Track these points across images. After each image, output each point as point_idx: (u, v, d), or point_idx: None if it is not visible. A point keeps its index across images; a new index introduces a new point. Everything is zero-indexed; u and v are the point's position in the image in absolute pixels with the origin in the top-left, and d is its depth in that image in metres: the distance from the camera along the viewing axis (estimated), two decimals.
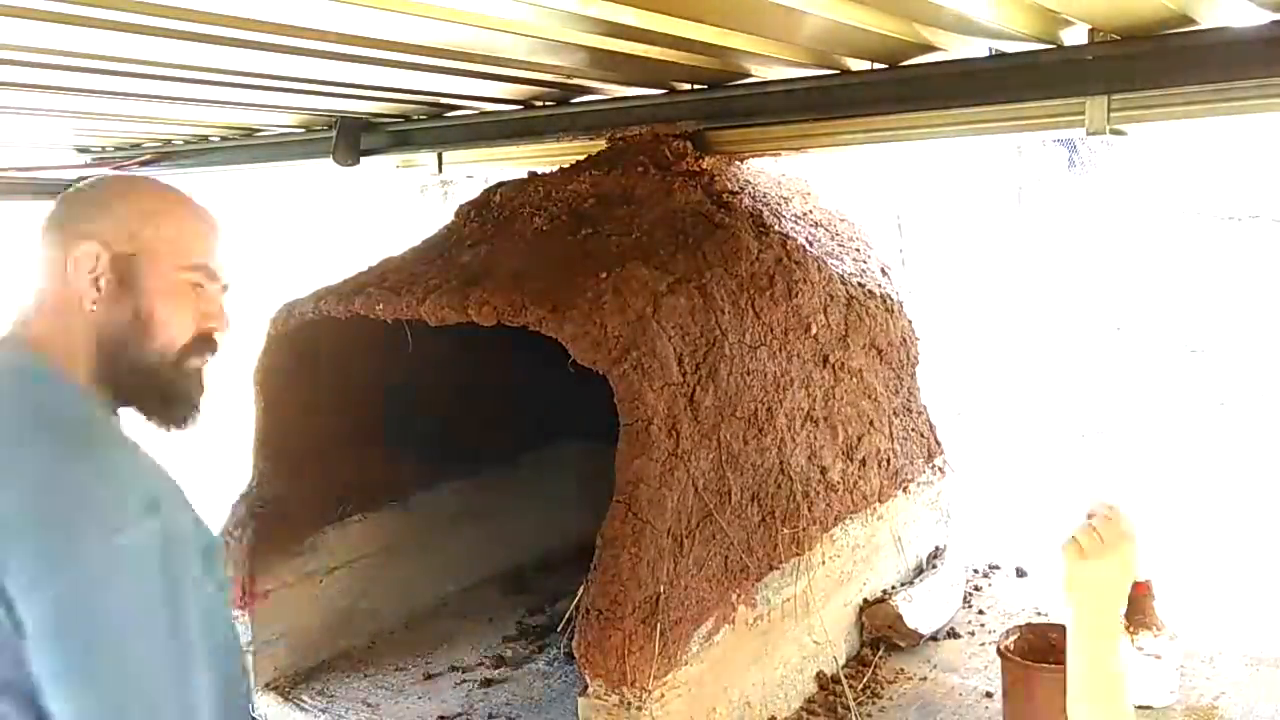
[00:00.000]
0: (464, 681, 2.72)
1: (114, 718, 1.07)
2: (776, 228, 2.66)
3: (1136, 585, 2.44)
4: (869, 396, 2.82)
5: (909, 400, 3.05)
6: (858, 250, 2.98)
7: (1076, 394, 5.75)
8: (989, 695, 2.53)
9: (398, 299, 2.32)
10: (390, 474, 2.95)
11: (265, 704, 2.57)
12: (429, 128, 3.22)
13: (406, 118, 3.24)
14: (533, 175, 2.80)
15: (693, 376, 2.18)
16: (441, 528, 3.14)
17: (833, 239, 2.90)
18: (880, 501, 2.82)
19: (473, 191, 2.85)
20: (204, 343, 1.30)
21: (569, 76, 2.58)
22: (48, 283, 1.24)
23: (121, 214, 1.26)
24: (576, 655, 2.02)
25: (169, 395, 1.29)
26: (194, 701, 1.11)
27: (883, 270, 3.06)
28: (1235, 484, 4.01)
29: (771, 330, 2.44)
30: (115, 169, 4.04)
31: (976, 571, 3.28)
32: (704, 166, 2.67)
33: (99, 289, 1.22)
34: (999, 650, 2.26)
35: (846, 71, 2.44)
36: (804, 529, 2.46)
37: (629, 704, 1.96)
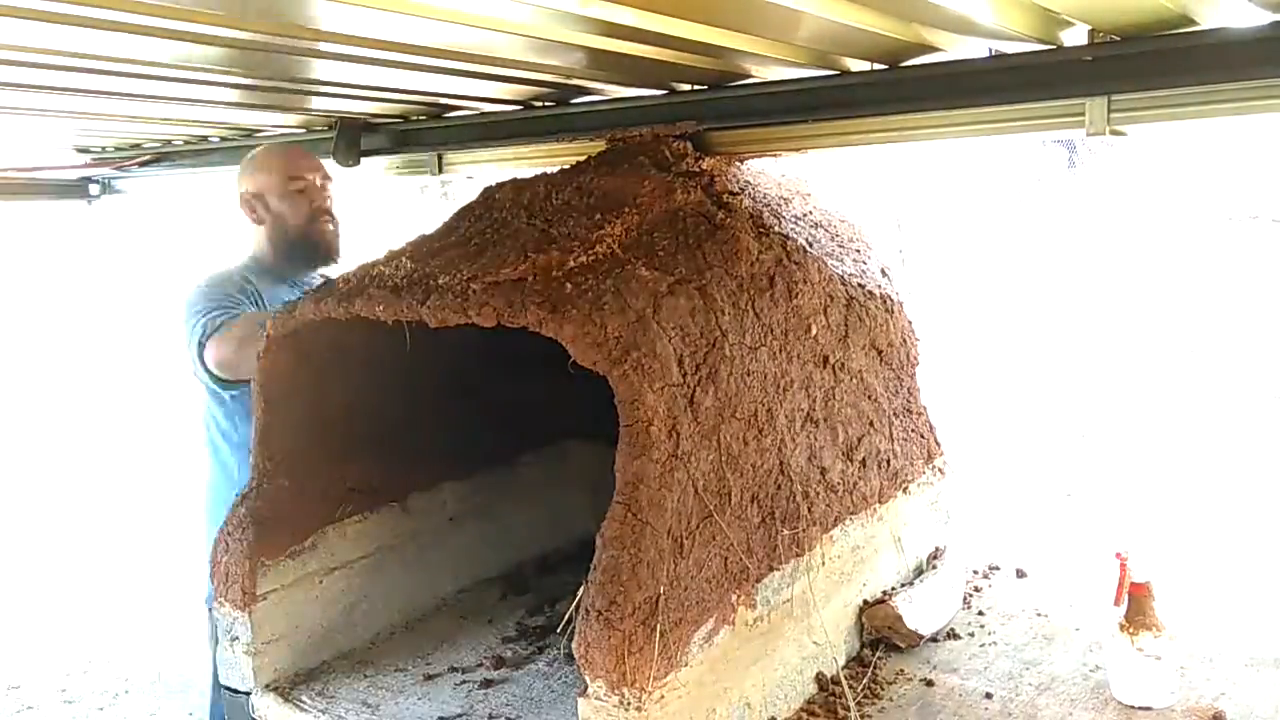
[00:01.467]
0: (464, 682, 2.71)
1: None
2: (777, 228, 2.66)
3: (1136, 585, 2.46)
4: (869, 397, 2.82)
5: (909, 401, 3.05)
6: (858, 251, 2.98)
7: (1076, 394, 5.75)
8: (989, 696, 2.53)
9: (398, 300, 2.31)
10: (390, 474, 2.95)
11: (265, 704, 2.57)
12: (429, 128, 3.22)
13: (406, 118, 3.24)
14: (533, 175, 2.80)
15: (693, 377, 2.18)
16: (441, 528, 3.13)
17: (833, 239, 2.90)
18: (880, 502, 2.82)
19: (473, 191, 2.85)
20: (321, 213, 3.09)
21: (568, 77, 2.58)
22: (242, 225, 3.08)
23: (247, 171, 3.08)
24: (576, 656, 2.02)
25: (314, 245, 3.09)
26: None
27: (883, 271, 3.06)
28: (1235, 484, 4.01)
29: (771, 331, 2.44)
30: (115, 169, 4.04)
31: (976, 572, 3.28)
32: (704, 167, 2.66)
33: (255, 213, 3.06)
34: None
35: (846, 72, 2.44)
36: (804, 530, 2.46)
37: (629, 705, 1.95)
